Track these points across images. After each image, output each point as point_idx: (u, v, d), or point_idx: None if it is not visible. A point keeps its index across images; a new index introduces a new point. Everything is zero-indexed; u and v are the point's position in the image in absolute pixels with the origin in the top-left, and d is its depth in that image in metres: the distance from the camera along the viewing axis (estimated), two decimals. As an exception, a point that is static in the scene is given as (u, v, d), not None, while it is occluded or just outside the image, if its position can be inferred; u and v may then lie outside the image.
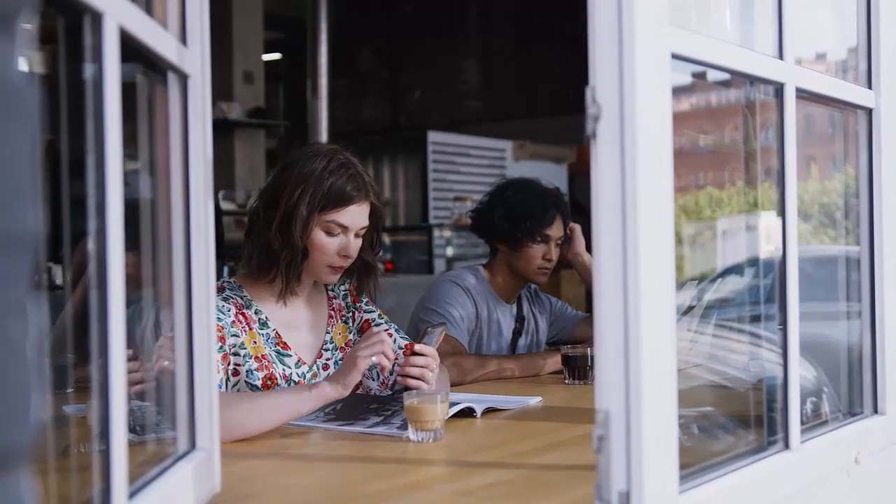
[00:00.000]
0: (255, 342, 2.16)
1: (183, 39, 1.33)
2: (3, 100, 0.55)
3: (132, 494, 1.08)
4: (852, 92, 1.75)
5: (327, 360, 2.30)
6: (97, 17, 0.98)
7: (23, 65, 0.58)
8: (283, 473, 1.68)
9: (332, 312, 2.35)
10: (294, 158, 2.20)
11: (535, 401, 2.32)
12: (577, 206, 5.16)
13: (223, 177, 7.19)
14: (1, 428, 0.54)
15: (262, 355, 2.16)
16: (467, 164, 8.07)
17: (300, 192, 2.13)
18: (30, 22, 0.61)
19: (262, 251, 2.18)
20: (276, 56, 10.29)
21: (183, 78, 1.33)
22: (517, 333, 3.09)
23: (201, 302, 1.36)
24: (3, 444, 0.55)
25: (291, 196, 2.13)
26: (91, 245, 1.00)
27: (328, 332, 2.32)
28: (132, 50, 1.10)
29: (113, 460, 0.99)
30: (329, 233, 2.17)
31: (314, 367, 2.26)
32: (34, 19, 0.62)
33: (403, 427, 1.88)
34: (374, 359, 1.95)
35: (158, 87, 1.32)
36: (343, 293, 2.40)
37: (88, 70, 1.00)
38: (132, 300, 1.08)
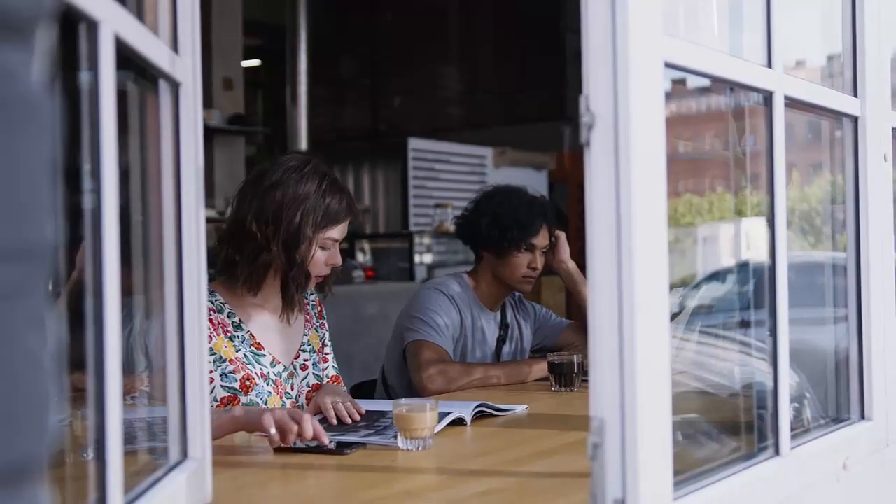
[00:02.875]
0: (225, 346, 2.20)
1: (175, 47, 1.32)
2: (22, 111, 0.55)
3: (126, 505, 1.07)
4: (838, 100, 1.77)
5: (305, 360, 2.37)
6: (93, 26, 0.98)
7: (40, 75, 0.58)
8: (275, 483, 1.67)
9: (308, 317, 2.43)
10: (280, 179, 2.23)
11: (521, 409, 2.32)
12: (557, 213, 5.17)
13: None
14: (21, 440, 0.54)
15: (236, 358, 2.20)
16: (448, 171, 8.06)
17: (301, 214, 2.20)
18: (47, 31, 0.61)
19: (261, 270, 2.23)
20: (255, 62, 10.26)
21: (175, 86, 1.32)
22: (501, 341, 3.09)
23: (193, 311, 1.35)
24: (23, 456, 0.54)
25: (293, 218, 2.20)
26: (86, 253, 0.99)
27: (305, 335, 2.39)
28: (123, 57, 1.10)
29: (108, 471, 0.99)
30: (323, 248, 2.26)
31: (290, 367, 2.32)
32: (52, 29, 0.62)
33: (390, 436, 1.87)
34: (273, 431, 1.79)
35: (149, 94, 1.31)
36: (312, 303, 2.47)
37: (83, 77, 1.00)
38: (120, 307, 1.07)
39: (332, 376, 2.44)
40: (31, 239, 0.56)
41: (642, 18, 1.16)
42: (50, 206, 0.58)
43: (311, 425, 1.80)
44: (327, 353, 2.47)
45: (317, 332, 2.45)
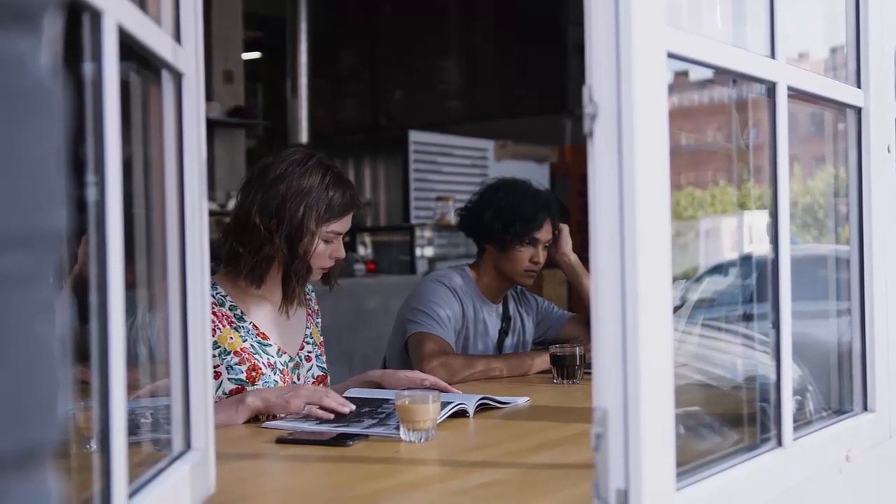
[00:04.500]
0: (231, 338, 2.22)
1: (177, 38, 1.32)
2: (32, 99, 0.55)
3: (131, 495, 1.07)
4: (842, 91, 1.76)
5: (308, 352, 2.40)
6: (96, 16, 0.97)
7: (49, 61, 0.58)
8: (278, 474, 1.67)
9: (310, 311, 2.46)
10: (284, 172, 2.24)
11: (523, 401, 2.32)
12: (560, 207, 5.16)
13: (203, 177, 7.14)
14: (30, 426, 0.54)
15: (242, 349, 2.23)
16: (449, 164, 8.05)
17: (304, 207, 2.21)
18: (57, 18, 0.61)
19: (264, 262, 2.24)
20: (255, 55, 10.25)
21: (177, 77, 1.32)
22: (504, 333, 3.09)
23: (196, 302, 1.35)
24: (32, 443, 0.54)
25: (296, 211, 2.21)
26: (91, 244, 0.99)
27: (308, 328, 2.42)
28: (126, 48, 1.09)
29: (113, 462, 0.99)
30: (326, 241, 2.28)
31: (296, 358, 2.35)
32: (61, 15, 0.62)
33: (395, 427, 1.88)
34: (306, 409, 2.03)
35: (152, 86, 1.31)
36: (312, 299, 2.50)
37: (87, 68, 0.99)
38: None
39: (318, 375, 2.45)
40: (40, 227, 0.56)
41: (645, 9, 1.16)
42: (60, 193, 0.58)
43: (337, 398, 2.05)
44: (322, 354, 2.50)
45: (316, 326, 2.48)
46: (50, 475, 0.57)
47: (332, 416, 2.01)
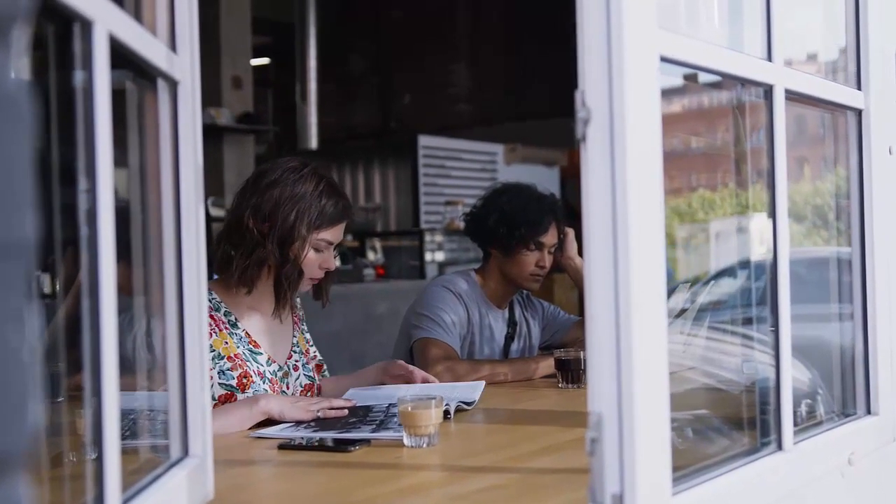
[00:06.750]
0: (226, 343, 2.25)
1: (172, 46, 1.33)
2: (2, 108, 0.56)
3: (126, 501, 1.07)
4: (842, 93, 1.76)
5: (296, 361, 2.42)
6: (87, 25, 0.98)
7: (18, 72, 0.59)
8: (277, 481, 1.67)
9: (296, 320, 2.48)
10: (279, 178, 2.28)
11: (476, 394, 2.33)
12: (569, 210, 5.16)
13: (212, 183, 7.16)
14: (0, 433, 0.55)
15: (235, 355, 2.25)
16: (458, 168, 8.05)
17: (296, 212, 2.24)
18: (25, 30, 0.61)
19: (255, 265, 2.26)
20: (264, 61, 10.27)
21: (173, 85, 1.33)
22: (510, 338, 3.09)
23: (193, 309, 1.36)
24: (1, 450, 0.55)
25: (288, 215, 2.24)
26: (83, 253, 1.00)
27: (294, 336, 2.45)
28: (121, 56, 1.10)
29: (106, 468, 0.99)
30: (317, 249, 2.30)
31: (285, 367, 2.37)
32: (29, 27, 0.62)
33: (400, 429, 1.87)
34: (319, 414, 2.11)
35: (148, 93, 1.32)
36: (297, 307, 2.53)
37: (78, 77, 1.00)
38: (122, 309, 1.08)
39: (306, 384, 2.46)
40: (11, 235, 0.56)
41: (637, 12, 1.16)
42: (30, 203, 0.59)
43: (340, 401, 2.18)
44: (315, 351, 2.53)
45: (303, 334, 2.50)
46: (20, 482, 0.57)
47: (346, 412, 2.12)
